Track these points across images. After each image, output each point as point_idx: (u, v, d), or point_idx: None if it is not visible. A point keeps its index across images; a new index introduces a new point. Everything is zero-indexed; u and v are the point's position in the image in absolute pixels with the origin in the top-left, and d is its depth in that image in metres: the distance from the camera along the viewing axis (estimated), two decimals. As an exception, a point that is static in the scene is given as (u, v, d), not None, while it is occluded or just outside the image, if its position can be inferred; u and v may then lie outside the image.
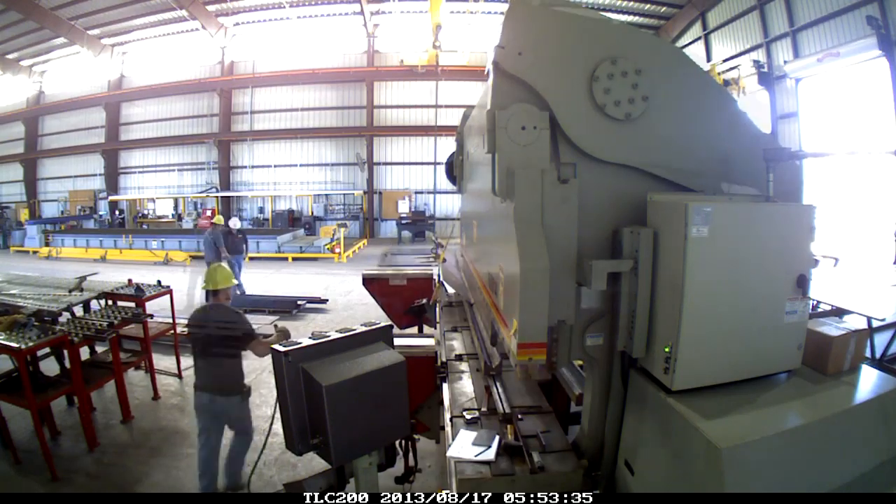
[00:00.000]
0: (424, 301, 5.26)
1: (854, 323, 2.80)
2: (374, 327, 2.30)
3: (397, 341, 2.51)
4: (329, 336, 2.18)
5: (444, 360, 3.52)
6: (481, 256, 3.30)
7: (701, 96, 2.25)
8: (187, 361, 6.84)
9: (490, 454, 2.34)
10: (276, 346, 2.01)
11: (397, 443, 2.36)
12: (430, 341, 3.63)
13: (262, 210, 23.33)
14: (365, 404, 1.98)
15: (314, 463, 3.78)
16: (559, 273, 2.03)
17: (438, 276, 5.56)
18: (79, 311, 5.76)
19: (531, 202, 2.03)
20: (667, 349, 1.99)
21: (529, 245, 1.95)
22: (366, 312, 8.65)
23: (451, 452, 2.36)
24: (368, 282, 5.85)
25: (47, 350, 4.95)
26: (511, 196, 2.04)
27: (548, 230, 2.02)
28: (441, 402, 3.21)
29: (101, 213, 23.97)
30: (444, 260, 5.52)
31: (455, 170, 4.45)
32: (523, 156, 2.02)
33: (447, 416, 2.86)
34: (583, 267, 2.06)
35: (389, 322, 2.29)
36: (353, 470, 2.12)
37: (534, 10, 2.16)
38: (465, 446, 2.40)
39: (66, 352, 4.77)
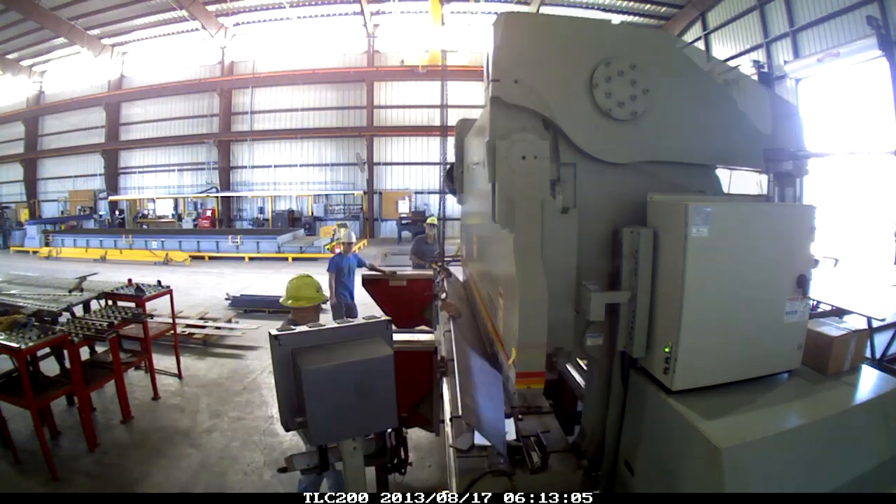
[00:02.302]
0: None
1: (854, 323, 2.79)
2: (371, 320, 2.32)
3: (397, 336, 2.52)
4: (323, 325, 2.26)
5: (443, 355, 3.51)
6: (481, 272, 3.29)
7: (699, 86, 2.26)
8: (187, 361, 6.88)
9: (511, 434, 2.52)
10: (271, 331, 2.12)
11: (388, 436, 2.43)
12: (430, 336, 3.62)
13: (262, 210, 23.32)
14: (346, 391, 2.05)
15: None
16: (558, 302, 2.03)
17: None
18: (79, 311, 5.76)
19: (531, 232, 2.02)
20: (667, 349, 1.98)
21: (529, 277, 1.95)
22: (364, 313, 8.58)
23: (477, 440, 2.47)
24: (368, 283, 5.82)
25: (47, 350, 4.96)
26: (511, 226, 2.03)
27: (547, 260, 2.02)
28: (441, 397, 3.20)
29: (101, 213, 23.99)
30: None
31: (455, 182, 4.43)
32: (523, 186, 2.02)
33: (447, 413, 2.86)
34: (581, 295, 2.08)
35: (388, 317, 2.30)
36: (340, 453, 2.23)
37: (521, 35, 2.12)
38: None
39: (66, 352, 4.78)
